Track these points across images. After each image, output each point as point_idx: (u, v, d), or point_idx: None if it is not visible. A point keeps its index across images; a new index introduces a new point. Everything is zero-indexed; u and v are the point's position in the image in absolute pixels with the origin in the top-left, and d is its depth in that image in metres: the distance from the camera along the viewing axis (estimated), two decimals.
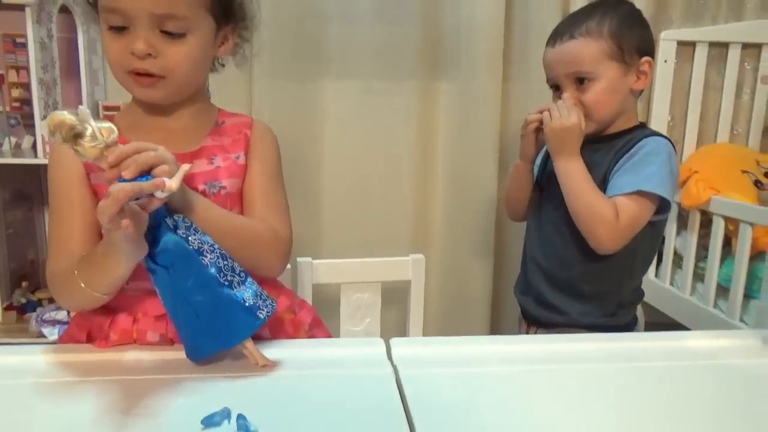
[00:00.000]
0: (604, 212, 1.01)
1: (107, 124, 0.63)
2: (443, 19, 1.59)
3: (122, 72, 0.76)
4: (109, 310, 0.76)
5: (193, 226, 0.68)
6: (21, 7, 1.28)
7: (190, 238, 0.66)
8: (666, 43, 1.69)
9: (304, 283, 1.13)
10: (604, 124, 1.09)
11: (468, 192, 1.66)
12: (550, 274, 1.13)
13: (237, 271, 0.68)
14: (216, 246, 0.67)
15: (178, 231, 0.66)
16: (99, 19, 0.77)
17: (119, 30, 0.74)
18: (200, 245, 0.66)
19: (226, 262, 0.67)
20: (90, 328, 0.76)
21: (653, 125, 1.66)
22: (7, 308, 1.54)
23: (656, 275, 1.71)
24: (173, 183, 0.63)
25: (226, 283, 0.66)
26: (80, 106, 0.61)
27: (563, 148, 1.06)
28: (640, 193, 1.01)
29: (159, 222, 0.65)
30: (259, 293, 0.69)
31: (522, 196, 1.22)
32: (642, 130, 1.11)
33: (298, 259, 1.13)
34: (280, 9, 1.49)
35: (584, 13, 1.09)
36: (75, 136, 0.61)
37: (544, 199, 1.17)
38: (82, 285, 0.69)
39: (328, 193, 1.64)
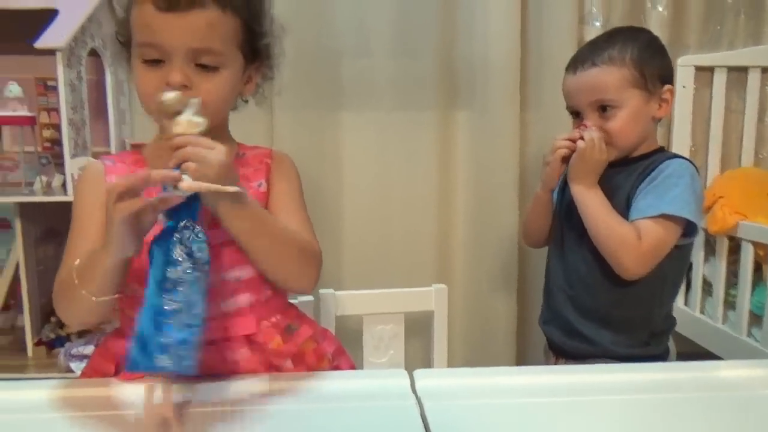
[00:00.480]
0: (626, 236, 1.00)
1: (199, 119, 0.71)
2: (459, 52, 1.61)
3: (153, 103, 0.78)
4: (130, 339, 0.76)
5: (197, 248, 0.64)
6: (52, 52, 1.33)
7: (177, 256, 0.63)
8: (684, 69, 1.69)
9: (328, 315, 1.13)
10: (626, 151, 1.09)
11: (489, 221, 1.65)
12: (577, 300, 1.12)
13: (194, 314, 0.61)
14: (200, 283, 0.63)
15: (176, 241, 0.64)
16: (128, 56, 0.79)
17: (154, 63, 0.75)
18: (179, 273, 0.62)
19: (190, 298, 0.62)
20: (118, 360, 0.77)
21: (675, 151, 1.64)
22: (37, 344, 1.56)
23: (686, 304, 1.67)
24: (192, 185, 0.65)
25: (169, 310, 0.60)
26: (192, 99, 0.71)
27: (586, 177, 1.06)
28: (664, 217, 1.00)
29: (174, 223, 0.65)
30: (184, 349, 0.60)
31: (542, 225, 1.22)
32: (663, 153, 1.11)
33: (321, 291, 1.13)
34: (299, 44, 1.52)
35: (604, 41, 1.10)
36: (174, 114, 0.70)
37: (565, 226, 1.16)
38: (77, 283, 0.70)
39: (350, 225, 1.65)
